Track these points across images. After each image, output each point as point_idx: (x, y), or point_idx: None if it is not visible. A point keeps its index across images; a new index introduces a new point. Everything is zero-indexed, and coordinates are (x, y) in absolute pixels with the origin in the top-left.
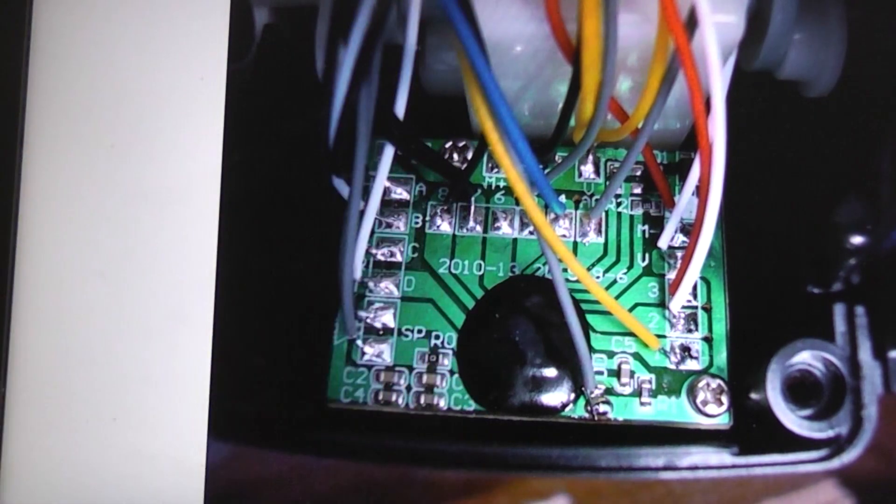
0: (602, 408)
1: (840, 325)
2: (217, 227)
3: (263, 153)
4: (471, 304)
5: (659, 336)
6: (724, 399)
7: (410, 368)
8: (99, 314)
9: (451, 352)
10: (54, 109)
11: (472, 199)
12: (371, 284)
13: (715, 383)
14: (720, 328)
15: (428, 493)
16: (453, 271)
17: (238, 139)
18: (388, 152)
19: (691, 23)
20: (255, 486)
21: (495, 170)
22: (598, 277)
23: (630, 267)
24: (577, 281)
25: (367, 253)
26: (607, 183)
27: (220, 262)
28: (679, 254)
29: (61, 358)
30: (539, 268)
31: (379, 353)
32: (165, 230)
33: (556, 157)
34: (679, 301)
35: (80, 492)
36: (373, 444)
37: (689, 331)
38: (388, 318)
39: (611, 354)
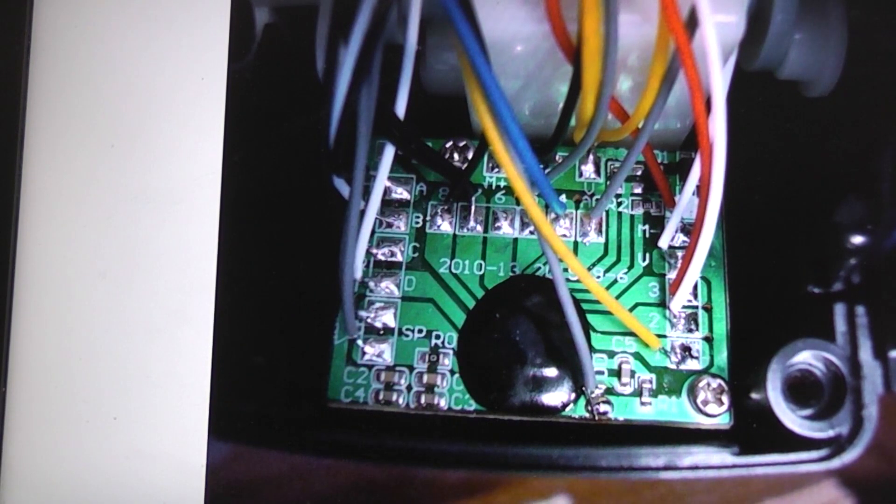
0: (602, 407)
1: (840, 325)
2: (217, 227)
3: (263, 153)
4: (471, 303)
5: (659, 336)
6: (725, 399)
7: (411, 368)
8: (99, 314)
9: (451, 351)
10: (55, 109)
11: (473, 198)
12: (371, 284)
13: (715, 383)
14: (721, 328)
15: (428, 493)
16: (454, 271)
17: (238, 139)
18: (389, 152)
19: (691, 23)
20: (255, 486)
21: (496, 169)
22: (598, 277)
23: (630, 267)
24: (578, 280)
25: (368, 253)
26: (608, 183)
27: (220, 262)
28: (679, 253)
29: (62, 358)
30: (539, 267)
31: (379, 352)
32: (166, 230)
33: (557, 157)
34: (679, 301)
35: (80, 492)
36: (373, 444)
37: (690, 330)
38: (388, 318)
39: (611, 354)
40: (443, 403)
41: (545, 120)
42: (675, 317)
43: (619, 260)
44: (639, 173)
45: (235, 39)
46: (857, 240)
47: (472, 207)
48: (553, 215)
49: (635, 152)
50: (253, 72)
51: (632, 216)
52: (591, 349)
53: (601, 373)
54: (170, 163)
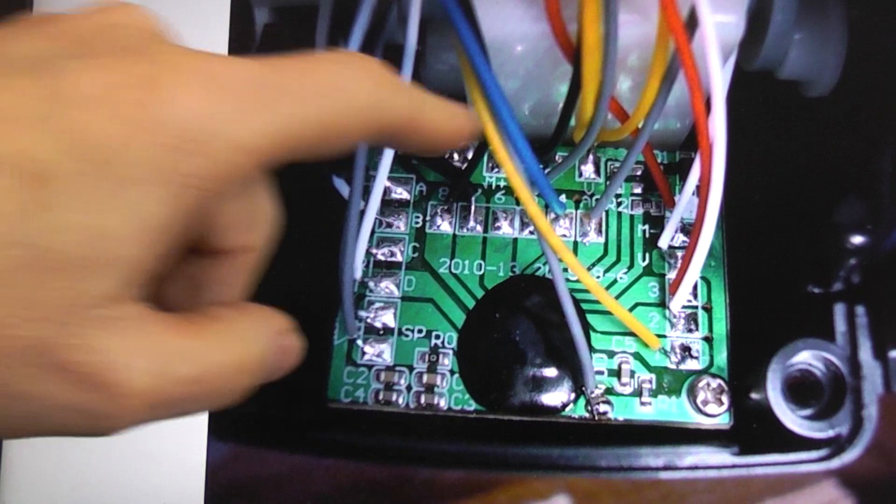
0: (602, 407)
1: (840, 325)
2: None
3: None
4: (471, 303)
5: (659, 336)
6: (725, 399)
7: (411, 368)
8: None
9: (451, 351)
10: None
11: (473, 198)
12: (371, 284)
13: (715, 383)
14: (720, 328)
15: (428, 493)
16: (454, 271)
17: None
18: (389, 152)
19: (691, 23)
20: (255, 486)
21: (495, 170)
22: (598, 277)
23: (630, 267)
24: (578, 281)
25: (368, 253)
26: (607, 183)
27: None
28: (679, 253)
29: None
30: (539, 268)
31: (379, 352)
32: None
33: (557, 157)
34: (679, 301)
35: (80, 491)
36: (373, 444)
37: (690, 330)
38: (388, 318)
39: (611, 354)
40: (443, 403)
41: (545, 120)
42: (674, 317)
43: (618, 260)
44: (639, 173)
45: (235, 39)
46: (857, 240)
47: (472, 207)
48: (553, 215)
49: (635, 152)
50: None
51: (632, 216)
52: (591, 349)
53: (601, 373)
54: None
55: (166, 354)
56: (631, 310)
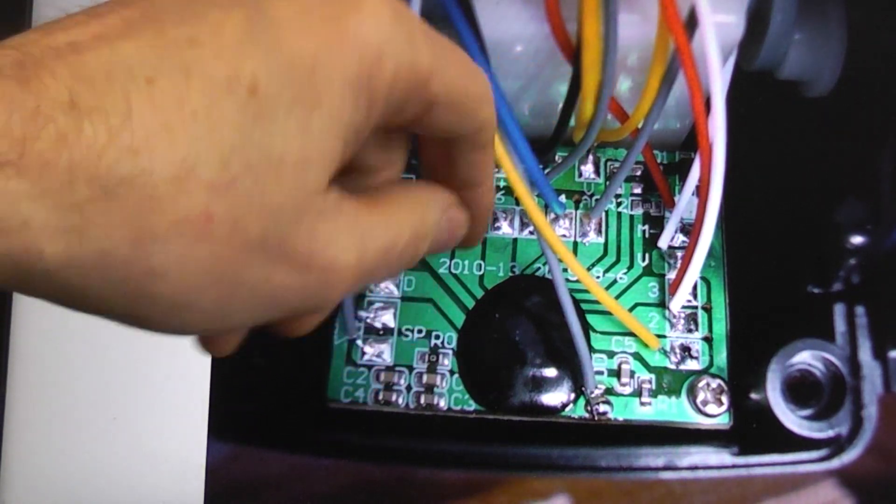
0: (602, 408)
1: (840, 325)
2: None
3: None
4: (471, 304)
5: (659, 336)
6: (724, 399)
7: (410, 368)
8: None
9: (451, 352)
10: None
11: None
12: (371, 284)
13: (715, 383)
14: (720, 328)
15: (428, 493)
16: (453, 271)
17: None
18: None
19: (691, 23)
20: (255, 486)
21: (495, 170)
22: (598, 277)
23: (630, 267)
24: (578, 281)
25: None
26: (607, 183)
27: None
28: (679, 254)
29: (61, 358)
30: (539, 268)
31: (379, 352)
32: None
33: (557, 157)
34: (679, 301)
35: (80, 492)
36: (373, 444)
37: (690, 331)
38: (388, 318)
39: (611, 354)
40: (442, 403)
41: (545, 120)
42: (674, 317)
43: (618, 260)
44: (638, 173)
45: None
46: (857, 240)
47: None
48: (553, 215)
49: (635, 152)
50: None
51: (631, 216)
52: (591, 349)
53: (601, 373)
54: None
55: (362, 230)
56: (631, 310)
